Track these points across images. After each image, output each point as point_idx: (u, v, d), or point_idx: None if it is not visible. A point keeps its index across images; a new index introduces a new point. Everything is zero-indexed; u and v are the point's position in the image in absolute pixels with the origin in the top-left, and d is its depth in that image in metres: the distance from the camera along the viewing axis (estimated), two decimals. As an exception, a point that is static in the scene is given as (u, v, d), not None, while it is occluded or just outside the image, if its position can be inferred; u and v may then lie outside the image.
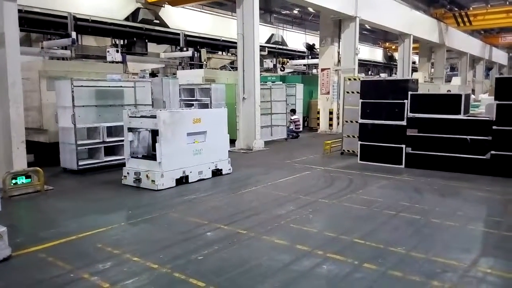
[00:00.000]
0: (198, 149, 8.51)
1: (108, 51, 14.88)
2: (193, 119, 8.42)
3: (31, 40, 16.42)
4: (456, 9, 27.53)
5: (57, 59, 13.49)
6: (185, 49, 18.64)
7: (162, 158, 7.81)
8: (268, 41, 25.86)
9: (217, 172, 9.00)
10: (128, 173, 8.23)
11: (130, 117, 8.34)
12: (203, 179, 8.64)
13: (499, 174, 8.72)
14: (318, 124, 18.26)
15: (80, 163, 9.22)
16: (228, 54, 21.88)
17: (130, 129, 8.39)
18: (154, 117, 7.94)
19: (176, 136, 8.07)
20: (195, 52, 19.07)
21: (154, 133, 8.22)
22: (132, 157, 8.39)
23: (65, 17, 14.86)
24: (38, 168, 7.71)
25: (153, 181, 7.83)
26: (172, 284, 4.10)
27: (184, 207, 6.74)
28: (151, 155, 8.43)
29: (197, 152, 8.49)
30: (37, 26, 15.28)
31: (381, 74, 33.69)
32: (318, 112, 18.20)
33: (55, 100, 9.54)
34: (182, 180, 8.22)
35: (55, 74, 9.87)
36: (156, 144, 7.87)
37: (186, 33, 19.73)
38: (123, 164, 9.64)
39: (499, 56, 40.70)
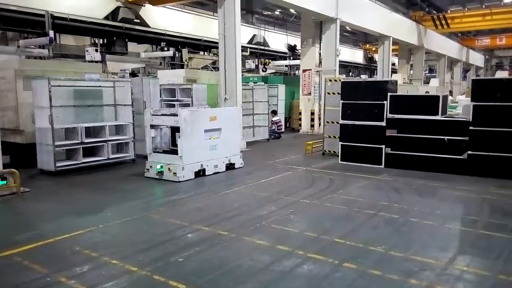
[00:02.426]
0: (214, 145, 9.25)
1: (87, 50, 14.63)
2: (210, 117, 9.16)
3: (7, 39, 16.02)
4: (434, 12, 28.03)
5: (34, 58, 13.19)
6: (166, 48, 18.44)
7: (183, 152, 8.53)
8: (250, 42, 25.86)
9: (230, 166, 9.68)
10: (150, 166, 8.93)
11: (152, 115, 9.00)
12: (218, 172, 9.31)
13: (475, 174, 8.92)
14: (300, 125, 18.36)
15: (58, 164, 9.04)
16: (210, 54, 21.75)
17: (152, 126, 9.04)
18: (175, 115, 8.65)
19: (195, 133, 8.80)
20: (176, 52, 18.92)
21: (174, 130, 9.02)
22: (154, 152, 9.04)
23: (43, 16, 14.53)
24: (14, 170, 7.53)
25: (174, 173, 8.53)
26: (152, 286, 4.05)
27: (164, 209, 6.68)
28: (171, 150, 9.16)
29: (213, 147, 9.24)
30: (14, 25, 14.90)
31: (361, 76, 34.07)
32: (300, 113, 18.30)
33: (31, 100, 9.32)
34: (200, 173, 8.92)
35: (32, 74, 9.65)
36: (178, 140, 8.64)
37: (168, 32, 19.57)
38: (103, 166, 9.63)
39: (476, 58, 41.64)
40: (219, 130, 9.34)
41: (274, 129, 16.28)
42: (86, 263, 4.53)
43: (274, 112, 16.68)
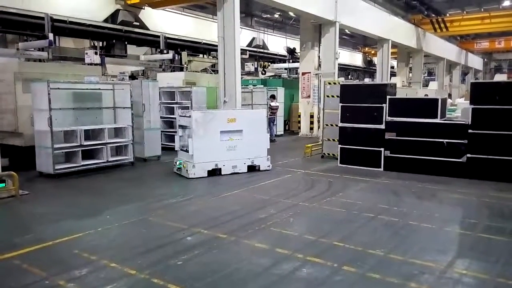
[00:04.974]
0: (232, 146, 9.42)
1: (87, 53, 14.64)
2: (228, 119, 9.36)
3: (7, 41, 16.05)
4: (433, 15, 28.11)
5: (34, 60, 13.20)
6: (165, 51, 18.46)
7: (193, 151, 8.96)
8: (249, 45, 25.92)
9: (254, 168, 9.74)
10: (176, 162, 9.59)
11: (180, 116, 9.65)
12: (237, 173, 9.45)
13: (474, 177, 8.92)
14: (299, 128, 18.38)
15: (57, 167, 9.02)
16: (209, 57, 21.80)
17: (181, 126, 9.57)
18: (190, 116, 9.11)
19: (208, 133, 9.14)
20: (176, 55, 18.95)
21: None
22: (181, 149, 9.57)
23: (42, 18, 14.58)
24: (13, 173, 7.51)
25: (187, 170, 9.00)
26: (150, 290, 4.04)
27: (164, 211, 6.67)
28: None
29: (231, 148, 9.41)
30: (13, 27, 14.93)
31: (365, 80, 34.00)
32: (299, 116, 18.32)
33: (31, 103, 9.32)
34: (216, 172, 9.25)
35: (31, 76, 9.65)
36: (188, 139, 9.06)
37: (167, 35, 19.61)
38: (102, 168, 9.67)
39: (475, 62, 41.71)
40: (240, 131, 9.47)
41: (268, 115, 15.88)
42: (85, 266, 4.52)
43: (273, 97, 16.41)
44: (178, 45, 20.50)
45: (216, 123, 9.22)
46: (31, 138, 9.43)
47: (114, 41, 18.18)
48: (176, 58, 19.10)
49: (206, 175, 9.11)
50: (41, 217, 6.46)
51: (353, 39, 37.72)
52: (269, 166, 9.98)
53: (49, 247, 5.11)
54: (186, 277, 4.24)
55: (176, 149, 9.74)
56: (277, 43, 28.16)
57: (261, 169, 9.83)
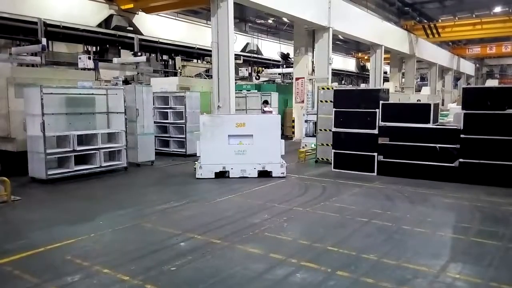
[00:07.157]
0: (242, 150, 9.50)
1: (80, 58, 14.57)
2: (236, 123, 9.49)
3: (-1, 46, 15.96)
4: (425, 21, 28.38)
5: (27, 65, 13.12)
6: (139, 54, 18.13)
7: (201, 153, 9.40)
8: (243, 50, 25.96)
9: (266, 174, 9.66)
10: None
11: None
12: (246, 177, 9.50)
13: (467, 181, 8.98)
14: (293, 133, 18.41)
15: (49, 172, 8.96)
16: (203, 62, 21.80)
17: None
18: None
19: (216, 137, 9.39)
20: (170, 60, 18.88)
21: None
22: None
23: (35, 23, 14.52)
24: (5, 178, 7.45)
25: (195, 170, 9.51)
26: (143, 296, 4.02)
27: (157, 217, 6.64)
28: None
29: (239, 152, 9.49)
30: (6, 32, 14.84)
31: (361, 85, 34.09)
32: (293, 121, 18.36)
33: (23, 108, 9.27)
34: (225, 174, 9.45)
35: (23, 81, 9.61)
36: (196, 141, 9.51)
37: (161, 40, 19.58)
38: (95, 174, 9.66)
39: (467, 67, 42.09)
40: (250, 136, 9.49)
41: None
42: (77, 272, 4.48)
43: (266, 102, 16.54)
44: (172, 50, 20.48)
45: (224, 127, 9.41)
46: (24, 143, 9.38)
47: (107, 46, 18.11)
48: (170, 63, 19.02)
49: (213, 176, 9.35)
50: (33, 223, 6.41)
51: (346, 44, 37.95)
52: (283, 173, 9.73)
53: (41, 253, 5.07)
54: (180, 283, 4.23)
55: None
56: (271, 48, 28.24)
57: (273, 175, 9.63)
